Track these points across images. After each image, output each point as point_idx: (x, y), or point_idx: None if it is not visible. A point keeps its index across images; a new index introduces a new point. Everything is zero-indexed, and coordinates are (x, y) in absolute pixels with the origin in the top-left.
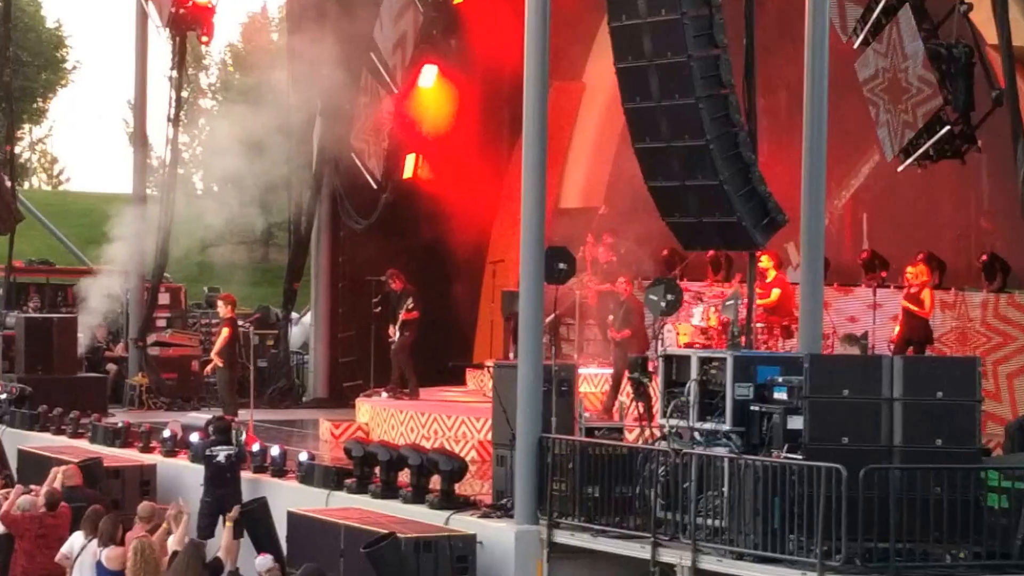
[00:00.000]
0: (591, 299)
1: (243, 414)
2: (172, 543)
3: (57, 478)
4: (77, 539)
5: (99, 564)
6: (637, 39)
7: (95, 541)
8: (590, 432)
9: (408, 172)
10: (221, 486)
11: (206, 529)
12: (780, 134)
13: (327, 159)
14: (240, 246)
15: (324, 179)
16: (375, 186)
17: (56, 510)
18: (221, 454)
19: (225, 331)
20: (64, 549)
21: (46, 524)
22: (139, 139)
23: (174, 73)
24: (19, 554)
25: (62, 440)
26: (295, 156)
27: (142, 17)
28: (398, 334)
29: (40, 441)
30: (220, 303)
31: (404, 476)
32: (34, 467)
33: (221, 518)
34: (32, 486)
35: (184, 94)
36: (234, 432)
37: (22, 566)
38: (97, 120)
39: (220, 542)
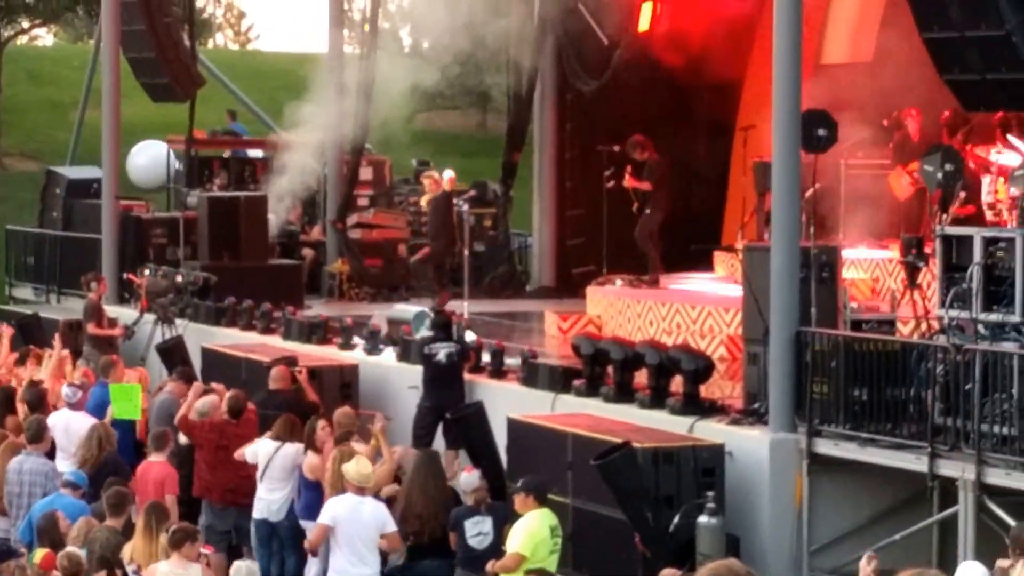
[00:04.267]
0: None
1: (457, 305)
2: (385, 457)
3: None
4: (264, 444)
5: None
6: None
7: (290, 446)
8: (856, 325)
9: (644, 24)
10: (442, 388)
11: (424, 438)
12: None
13: (550, 10)
14: (453, 112)
15: (547, 33)
16: (606, 41)
17: (240, 418)
18: (442, 352)
19: None
20: (247, 454)
21: (227, 434)
22: None
23: None
24: (200, 465)
25: (251, 336)
26: (515, 6)
27: None
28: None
29: (227, 338)
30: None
31: (641, 377)
32: (220, 367)
33: (441, 426)
34: (213, 384)
35: None
36: (455, 327)
37: (203, 479)
38: None
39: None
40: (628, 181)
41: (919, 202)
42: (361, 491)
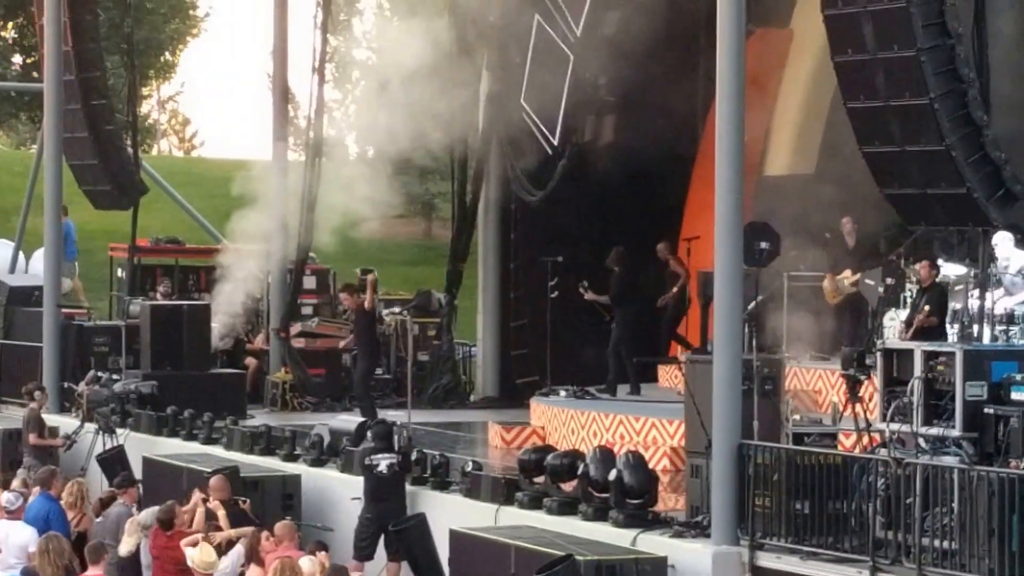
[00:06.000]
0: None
1: (396, 415)
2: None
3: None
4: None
5: None
6: None
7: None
8: (798, 438)
9: (589, 135)
10: (383, 499)
11: (365, 550)
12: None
13: (495, 120)
14: (398, 220)
15: (492, 144)
16: (551, 151)
17: (171, 529)
18: (383, 463)
19: None
20: None
21: (158, 544)
22: (279, 92)
23: (320, 13)
24: None
25: (193, 446)
26: (459, 116)
27: None
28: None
29: (168, 448)
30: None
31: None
32: (161, 477)
33: (383, 538)
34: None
35: (334, 42)
36: (396, 438)
37: None
38: (235, 75)
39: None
40: (588, 295)
41: (853, 311)
42: None
